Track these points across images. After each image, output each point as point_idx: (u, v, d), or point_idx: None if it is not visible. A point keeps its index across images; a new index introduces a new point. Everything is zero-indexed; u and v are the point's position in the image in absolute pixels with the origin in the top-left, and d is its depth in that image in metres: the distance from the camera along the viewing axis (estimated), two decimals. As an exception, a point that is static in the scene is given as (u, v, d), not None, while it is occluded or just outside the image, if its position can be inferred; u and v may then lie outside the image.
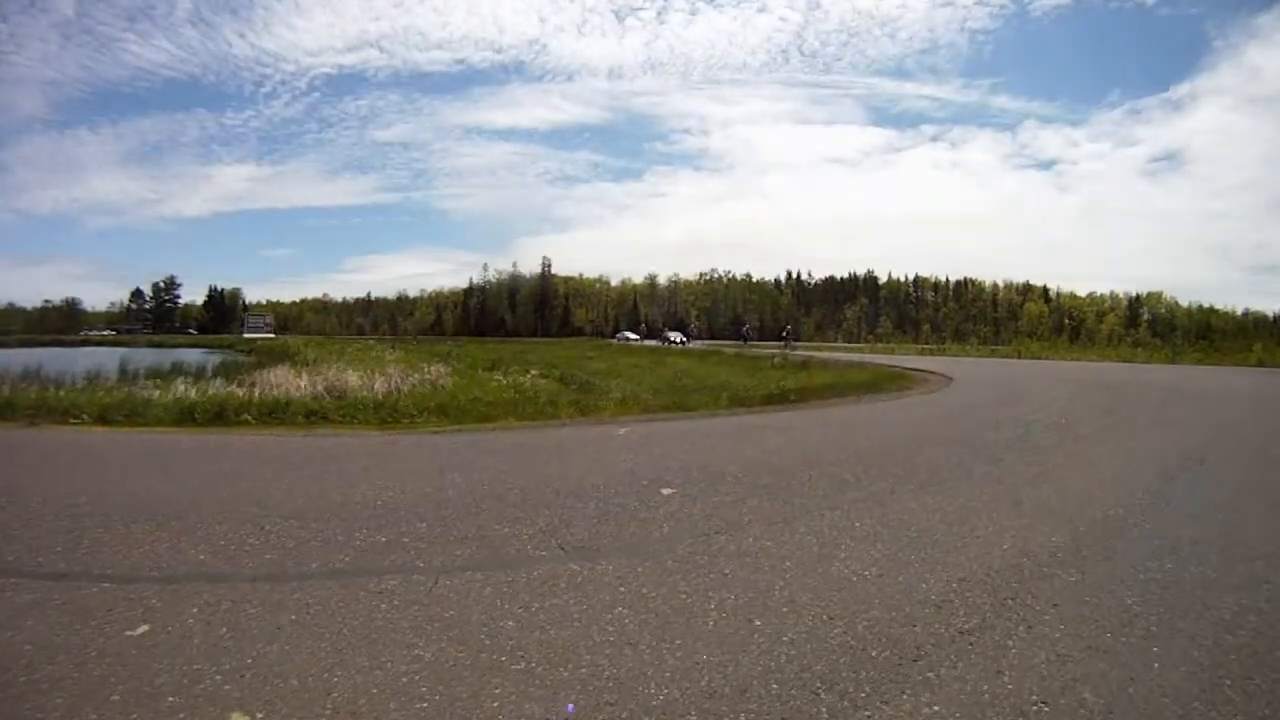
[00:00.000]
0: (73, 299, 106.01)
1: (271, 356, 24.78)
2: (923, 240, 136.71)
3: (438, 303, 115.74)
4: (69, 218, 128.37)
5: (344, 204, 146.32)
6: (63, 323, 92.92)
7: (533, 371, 17.27)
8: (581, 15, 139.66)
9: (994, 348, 43.32)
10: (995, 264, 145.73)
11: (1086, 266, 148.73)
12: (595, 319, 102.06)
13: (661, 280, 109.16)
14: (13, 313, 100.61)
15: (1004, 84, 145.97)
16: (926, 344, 54.62)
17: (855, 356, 28.28)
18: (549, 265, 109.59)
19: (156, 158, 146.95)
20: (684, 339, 47.14)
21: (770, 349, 32.35)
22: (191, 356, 25.51)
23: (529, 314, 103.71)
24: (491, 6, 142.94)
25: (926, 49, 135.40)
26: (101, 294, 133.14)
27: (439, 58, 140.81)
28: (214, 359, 24.97)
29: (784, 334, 39.86)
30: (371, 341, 44.45)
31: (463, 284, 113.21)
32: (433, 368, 16.35)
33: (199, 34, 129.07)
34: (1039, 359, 33.57)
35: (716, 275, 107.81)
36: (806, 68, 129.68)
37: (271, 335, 79.22)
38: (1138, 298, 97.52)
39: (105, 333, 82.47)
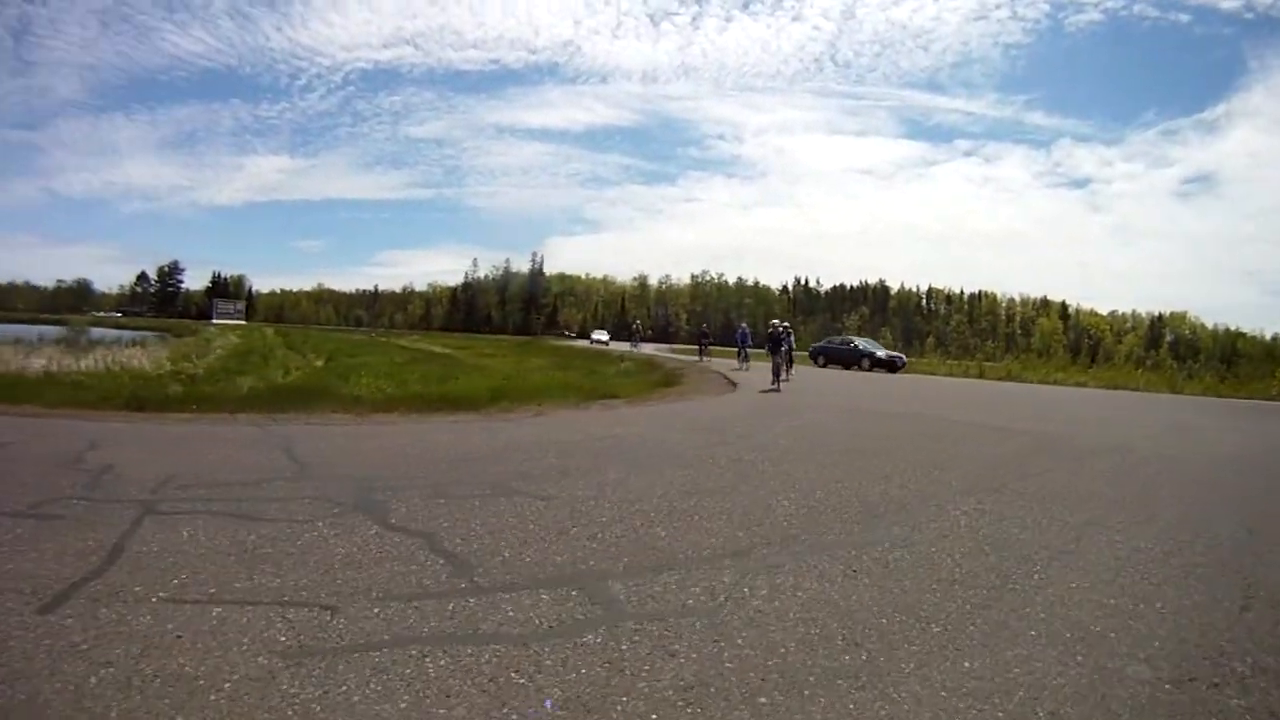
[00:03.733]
0: (84, 280, 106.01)
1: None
2: (952, 255, 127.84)
3: (429, 298, 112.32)
4: (103, 201, 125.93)
5: (376, 198, 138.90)
6: (72, 303, 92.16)
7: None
8: (616, 18, 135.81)
9: (978, 364, 37.10)
10: (1023, 281, 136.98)
11: (1115, 286, 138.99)
12: (585, 318, 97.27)
13: (653, 282, 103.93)
14: (24, 290, 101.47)
15: (1038, 100, 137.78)
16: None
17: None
18: (540, 262, 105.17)
19: (191, 146, 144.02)
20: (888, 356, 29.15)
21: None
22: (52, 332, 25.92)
23: (517, 311, 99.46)
24: (526, 8, 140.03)
25: (960, 62, 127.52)
26: (127, 278, 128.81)
27: (474, 57, 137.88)
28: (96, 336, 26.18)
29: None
30: (269, 331, 45.09)
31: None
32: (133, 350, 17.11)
33: (236, 26, 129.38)
34: (1011, 379, 27.58)
35: (708, 278, 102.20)
36: (840, 78, 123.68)
37: (242, 321, 79.94)
38: (1160, 317, 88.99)
39: (114, 315, 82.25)
